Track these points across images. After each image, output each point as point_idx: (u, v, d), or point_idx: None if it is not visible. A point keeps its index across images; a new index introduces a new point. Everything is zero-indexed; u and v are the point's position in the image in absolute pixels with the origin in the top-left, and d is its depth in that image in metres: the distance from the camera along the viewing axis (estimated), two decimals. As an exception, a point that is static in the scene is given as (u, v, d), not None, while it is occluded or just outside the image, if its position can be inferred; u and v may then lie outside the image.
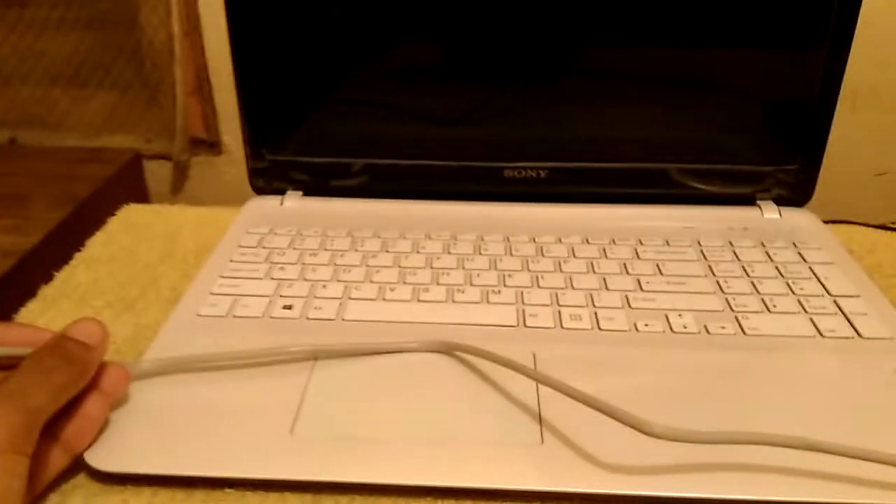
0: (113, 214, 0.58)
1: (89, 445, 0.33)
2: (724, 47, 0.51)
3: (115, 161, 0.76)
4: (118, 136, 0.83)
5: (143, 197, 0.82)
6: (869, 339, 0.40)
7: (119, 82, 0.80)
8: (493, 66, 0.52)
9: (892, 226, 0.56)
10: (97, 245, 0.53)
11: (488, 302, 0.44)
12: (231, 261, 0.48)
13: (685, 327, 0.41)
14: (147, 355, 0.39)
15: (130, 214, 0.58)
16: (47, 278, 0.49)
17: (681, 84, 0.53)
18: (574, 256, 0.48)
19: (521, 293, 0.44)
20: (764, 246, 0.49)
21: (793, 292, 0.44)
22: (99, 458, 0.32)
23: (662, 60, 0.52)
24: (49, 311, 0.45)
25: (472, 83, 0.53)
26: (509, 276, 0.46)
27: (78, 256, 0.52)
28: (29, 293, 0.47)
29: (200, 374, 0.38)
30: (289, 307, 0.43)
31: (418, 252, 0.49)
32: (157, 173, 0.85)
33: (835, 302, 0.43)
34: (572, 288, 0.45)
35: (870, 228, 0.56)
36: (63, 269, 0.50)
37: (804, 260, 0.48)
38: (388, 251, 0.49)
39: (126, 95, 0.81)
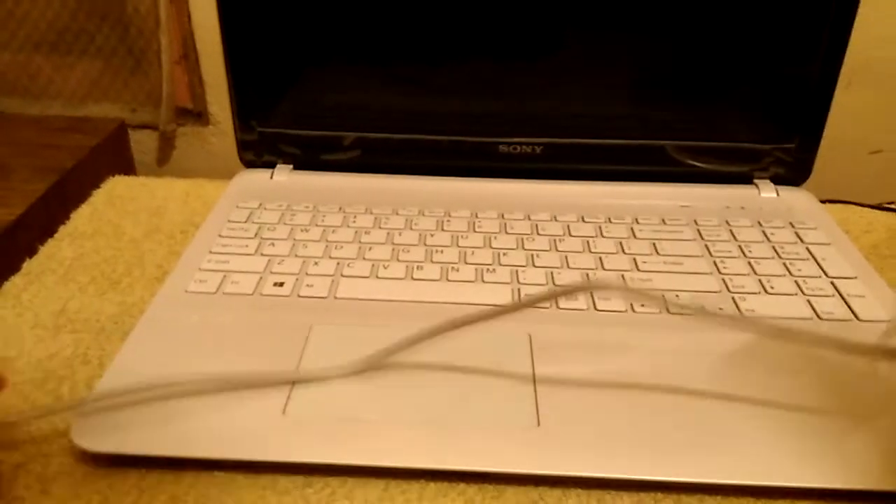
0: (98, 185, 0.57)
1: None
2: (724, 23, 0.50)
3: (99, 130, 0.74)
4: (103, 104, 0.81)
5: (128, 167, 0.81)
6: (866, 321, 0.40)
7: (103, 50, 0.78)
8: (488, 38, 0.51)
9: (888, 206, 0.56)
10: (82, 218, 0.52)
11: (483, 281, 0.43)
12: (220, 236, 0.47)
13: (682, 309, 0.41)
14: (134, 332, 0.38)
15: (116, 187, 0.57)
16: (31, 252, 0.48)
17: (679, 60, 0.51)
18: (570, 235, 0.47)
19: (517, 272, 0.44)
20: (761, 225, 0.49)
21: (790, 273, 0.44)
22: (86, 438, 0.32)
23: (661, 36, 0.51)
24: (32, 287, 0.44)
25: (466, 56, 0.52)
26: (504, 254, 0.45)
27: (62, 230, 0.50)
28: (12, 267, 0.46)
29: (190, 352, 0.37)
30: (280, 284, 0.42)
31: (411, 229, 0.48)
32: (142, 143, 0.83)
33: (832, 283, 0.43)
34: (568, 267, 0.44)
35: (865, 208, 0.56)
36: (47, 243, 0.49)
37: (801, 240, 0.47)
38: (380, 227, 0.48)
39: (111, 63, 0.79)
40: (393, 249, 0.46)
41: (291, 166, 0.55)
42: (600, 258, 0.45)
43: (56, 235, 0.50)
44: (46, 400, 0.35)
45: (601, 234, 0.48)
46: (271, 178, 0.55)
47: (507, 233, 0.48)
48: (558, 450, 0.32)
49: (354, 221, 0.49)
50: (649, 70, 0.52)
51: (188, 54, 0.77)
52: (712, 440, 0.32)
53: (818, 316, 0.40)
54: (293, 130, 0.55)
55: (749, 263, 0.45)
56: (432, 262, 0.45)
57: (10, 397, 0.35)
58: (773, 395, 0.35)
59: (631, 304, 0.41)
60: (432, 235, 0.47)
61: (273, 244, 0.46)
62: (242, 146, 0.55)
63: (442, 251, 0.46)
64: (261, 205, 0.51)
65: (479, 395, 0.35)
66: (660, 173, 0.54)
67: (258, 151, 0.55)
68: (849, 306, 0.41)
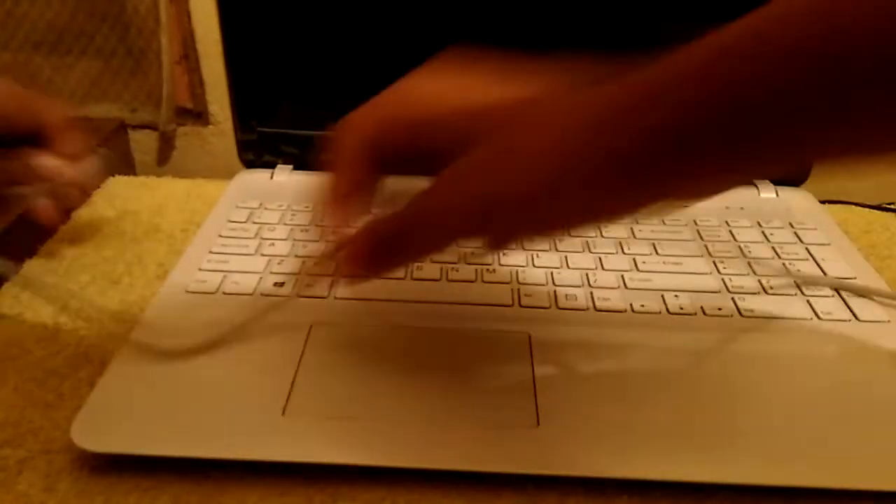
0: (98, 185, 0.57)
1: None
2: (724, 22, 0.50)
3: (99, 130, 0.74)
4: (102, 104, 0.81)
5: (128, 167, 0.81)
6: (865, 321, 0.40)
7: (103, 50, 0.78)
8: (488, 39, 0.51)
9: (888, 206, 0.56)
10: (82, 218, 0.52)
11: (483, 281, 0.43)
12: (220, 236, 0.47)
13: (681, 308, 0.41)
14: (135, 333, 0.38)
15: (116, 187, 0.57)
16: (31, 252, 0.48)
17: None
18: (569, 235, 0.48)
19: (516, 272, 0.44)
20: (760, 226, 0.49)
21: (789, 273, 0.44)
22: (87, 438, 0.32)
23: (661, 36, 0.51)
24: (32, 286, 0.44)
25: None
26: (504, 254, 0.45)
27: (63, 230, 0.50)
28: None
29: (191, 353, 0.37)
30: (280, 284, 0.42)
31: (411, 229, 0.48)
32: (142, 143, 0.83)
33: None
34: (567, 267, 0.44)
35: (865, 209, 0.56)
36: (47, 243, 0.49)
37: (801, 241, 0.47)
38: (380, 228, 0.48)
39: (110, 63, 0.78)
40: (393, 249, 0.46)
41: (291, 166, 0.55)
42: (600, 258, 0.45)
43: (56, 235, 0.50)
44: (48, 399, 0.35)
45: (601, 234, 0.48)
46: (271, 178, 0.55)
47: (507, 233, 0.48)
48: (558, 450, 0.32)
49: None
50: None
51: (188, 54, 0.77)
52: (713, 440, 0.32)
53: (817, 316, 0.40)
54: (293, 130, 0.55)
55: (748, 264, 0.45)
56: (432, 261, 0.45)
57: (10, 396, 0.36)
58: (774, 395, 0.35)
59: (630, 304, 0.41)
60: (432, 235, 0.47)
61: (273, 244, 0.46)
62: (242, 146, 0.55)
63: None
64: (261, 205, 0.51)
65: (479, 394, 0.35)
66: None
67: (258, 151, 0.55)
68: (848, 307, 0.41)
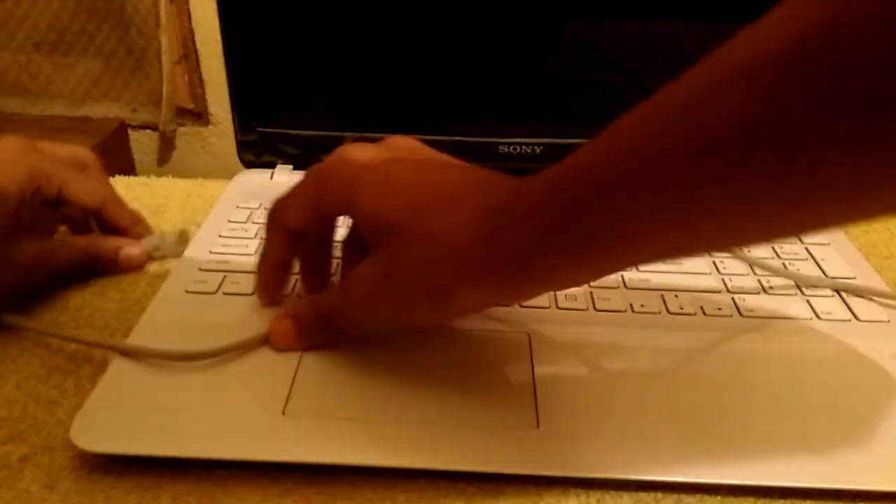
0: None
1: None
2: (724, 23, 0.50)
3: (100, 130, 0.74)
4: (103, 104, 0.81)
5: (128, 168, 0.81)
6: (866, 321, 0.40)
7: (103, 49, 0.78)
8: (488, 38, 0.51)
9: (887, 206, 0.56)
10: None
11: (483, 281, 0.43)
12: (220, 236, 0.47)
13: (681, 308, 0.41)
14: (135, 332, 0.38)
15: (116, 186, 0.56)
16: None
17: (679, 60, 0.52)
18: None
19: (516, 272, 0.44)
20: (760, 226, 0.49)
21: (789, 274, 0.44)
22: (86, 438, 0.32)
23: (661, 35, 0.51)
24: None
25: (466, 56, 0.52)
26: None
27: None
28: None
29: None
30: (280, 284, 0.42)
31: (411, 229, 0.48)
32: (142, 144, 0.83)
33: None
34: (568, 267, 0.44)
35: (865, 209, 0.56)
36: (48, 243, 0.49)
37: (800, 240, 0.47)
38: (380, 228, 0.48)
39: (111, 63, 0.79)
40: (393, 249, 0.46)
41: (292, 166, 0.55)
42: (600, 258, 0.45)
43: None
44: (51, 395, 0.36)
45: (601, 234, 0.48)
46: (271, 178, 0.55)
47: (507, 233, 0.48)
48: (558, 450, 0.32)
49: (355, 221, 0.49)
50: (649, 70, 0.52)
51: (188, 54, 0.77)
52: (712, 440, 0.32)
53: (817, 316, 0.40)
54: (293, 130, 0.55)
55: (748, 263, 0.45)
56: (432, 262, 0.45)
57: (12, 392, 0.36)
58: (774, 395, 0.35)
59: (630, 304, 0.41)
60: (432, 235, 0.47)
61: (273, 244, 0.46)
62: (242, 146, 0.55)
63: (442, 251, 0.46)
64: (261, 205, 0.51)
65: (479, 395, 0.35)
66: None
67: (258, 152, 0.55)
68: (848, 307, 0.41)
